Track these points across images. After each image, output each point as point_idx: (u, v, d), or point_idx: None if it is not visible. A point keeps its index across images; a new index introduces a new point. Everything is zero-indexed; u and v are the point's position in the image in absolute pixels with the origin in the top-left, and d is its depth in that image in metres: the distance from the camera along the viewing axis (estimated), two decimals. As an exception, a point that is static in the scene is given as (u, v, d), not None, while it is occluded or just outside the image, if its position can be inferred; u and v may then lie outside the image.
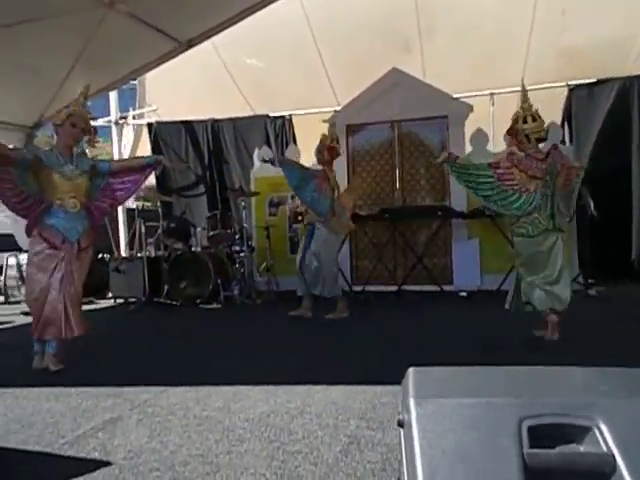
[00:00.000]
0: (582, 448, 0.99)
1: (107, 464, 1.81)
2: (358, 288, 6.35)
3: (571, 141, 6.56)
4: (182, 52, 6.22)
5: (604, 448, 0.96)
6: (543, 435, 1.01)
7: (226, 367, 3.13)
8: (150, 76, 7.94)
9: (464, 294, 5.94)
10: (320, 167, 4.92)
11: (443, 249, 6.50)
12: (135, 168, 3.66)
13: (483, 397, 1.08)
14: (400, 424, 1.16)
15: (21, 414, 2.38)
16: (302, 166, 5.06)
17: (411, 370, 1.22)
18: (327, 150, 4.84)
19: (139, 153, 8.30)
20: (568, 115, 6.71)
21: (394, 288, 6.27)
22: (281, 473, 1.69)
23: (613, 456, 0.94)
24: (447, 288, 6.18)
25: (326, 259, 4.77)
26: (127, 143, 8.99)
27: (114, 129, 8.57)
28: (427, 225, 6.50)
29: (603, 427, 0.98)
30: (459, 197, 6.33)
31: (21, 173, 3.20)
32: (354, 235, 6.64)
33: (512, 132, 3.73)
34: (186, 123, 8.22)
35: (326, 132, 5.20)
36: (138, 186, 3.72)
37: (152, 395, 2.59)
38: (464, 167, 3.76)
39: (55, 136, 3.51)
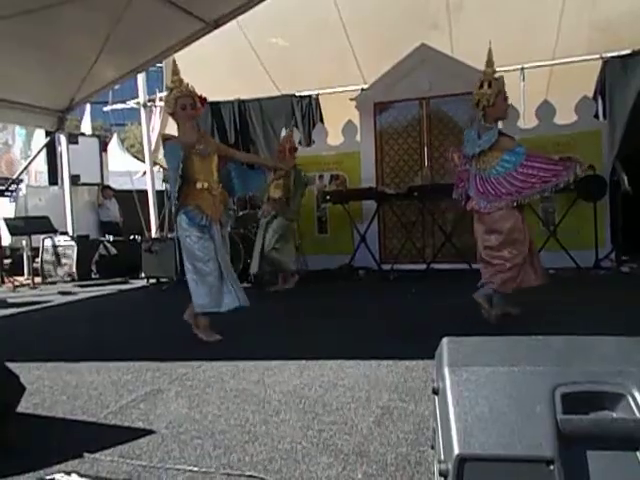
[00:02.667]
0: (615, 414, 1.01)
1: (150, 432, 1.90)
2: (387, 267, 6.36)
3: (604, 116, 6.37)
4: (209, 32, 6.22)
5: (637, 414, 0.98)
6: (576, 402, 1.03)
7: (259, 344, 3.22)
8: (177, 56, 7.98)
9: (493, 272, 5.89)
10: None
11: (472, 226, 6.41)
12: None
13: (517, 365, 1.11)
14: (435, 391, 1.20)
15: (65, 387, 2.50)
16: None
17: (445, 340, 1.25)
18: (201, 102, 3.67)
19: (167, 131, 8.40)
20: (602, 89, 6.49)
21: (423, 267, 6.26)
22: (317, 442, 1.75)
23: (646, 422, 0.96)
24: (476, 266, 6.13)
25: None
26: (155, 125, 9.12)
27: (142, 111, 8.68)
28: (455, 203, 6.42)
29: (637, 394, 1.00)
30: (488, 174, 6.24)
31: None
32: (382, 214, 6.64)
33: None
34: (212, 104, 8.25)
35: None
36: None
37: (189, 369, 2.69)
38: None
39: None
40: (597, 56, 6.47)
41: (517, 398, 1.06)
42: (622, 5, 6.23)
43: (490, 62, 3.63)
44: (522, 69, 7.05)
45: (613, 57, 6.40)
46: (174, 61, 3.60)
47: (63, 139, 7.81)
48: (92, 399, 2.30)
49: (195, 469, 1.59)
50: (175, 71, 3.48)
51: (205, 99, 3.54)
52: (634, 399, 0.99)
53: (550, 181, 3.46)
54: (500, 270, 3.50)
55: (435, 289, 5.21)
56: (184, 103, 3.35)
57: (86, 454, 1.72)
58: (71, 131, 9.30)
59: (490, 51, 3.67)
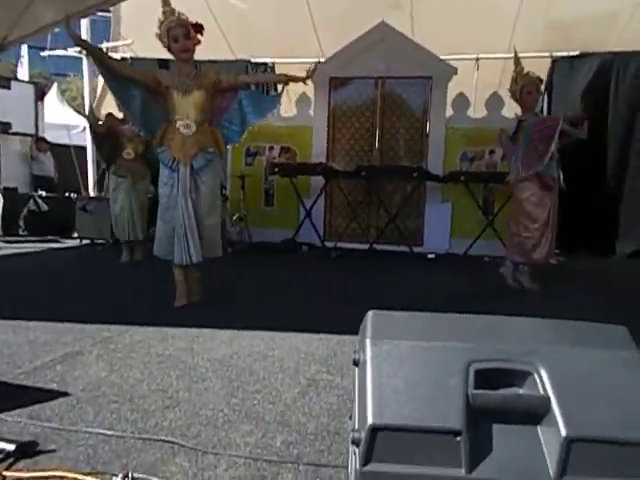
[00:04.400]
0: (521, 391, 1.05)
1: (65, 394, 1.82)
2: (330, 244, 6.40)
3: (549, 112, 6.60)
4: (162, -15, 5.89)
5: (541, 391, 1.02)
6: (488, 378, 1.06)
7: (191, 311, 3.15)
8: (125, 7, 7.55)
9: (432, 256, 6.06)
10: None
11: (416, 211, 6.57)
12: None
13: (435, 341, 1.12)
14: (355, 363, 1.21)
15: (-23, 344, 2.36)
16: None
17: (370, 313, 1.25)
18: (195, 30, 3.28)
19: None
20: (550, 86, 6.72)
21: (366, 246, 6.34)
22: (239, 409, 1.73)
23: (548, 399, 1.00)
24: (417, 249, 6.29)
25: (220, 206, 3.77)
26: (100, 77, 8.63)
27: (85, 61, 8.18)
28: (402, 186, 6.53)
29: (542, 372, 1.03)
30: (436, 160, 6.37)
31: None
32: (329, 191, 6.63)
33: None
34: (162, 61, 7.89)
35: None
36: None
37: (114, 333, 2.60)
38: None
39: None
40: (548, 54, 6.66)
41: (433, 372, 1.08)
42: (576, 7, 6.42)
43: (516, 61, 4.18)
44: (477, 59, 7.17)
45: (562, 57, 6.62)
46: None
47: (-7, 82, 7.25)
48: (3, 358, 2.18)
49: (108, 432, 1.54)
50: (166, 1, 3.19)
51: (201, 26, 3.20)
52: (540, 376, 1.03)
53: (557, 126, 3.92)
54: (511, 238, 4.19)
55: (375, 269, 5.29)
56: (176, 34, 3.11)
57: (-9, 414, 1.62)
58: (5, 75, 8.66)
59: (515, 52, 4.26)
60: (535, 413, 1.00)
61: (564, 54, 6.69)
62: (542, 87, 4.19)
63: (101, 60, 3.25)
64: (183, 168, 3.14)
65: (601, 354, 1.06)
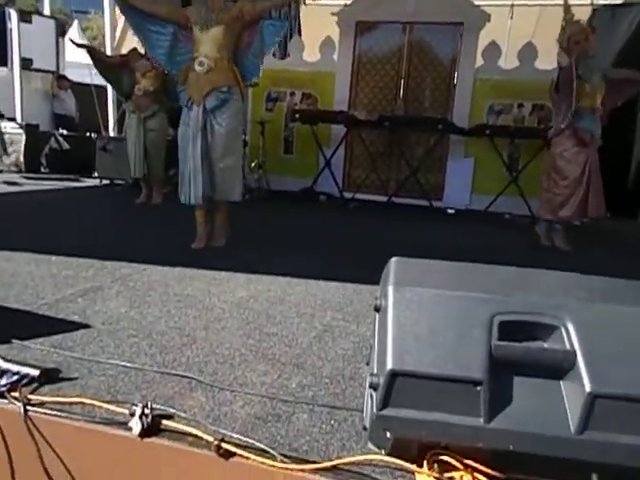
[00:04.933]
0: (546, 345, 1.03)
1: (86, 326, 1.86)
2: (349, 195, 6.33)
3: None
4: None
5: (567, 346, 1.00)
6: (512, 330, 1.04)
7: (209, 254, 3.17)
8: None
9: (452, 211, 5.98)
10: None
11: (438, 165, 6.43)
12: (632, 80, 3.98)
13: (460, 290, 1.10)
14: (377, 309, 1.19)
15: (0, 274, 2.40)
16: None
17: (393, 259, 1.23)
18: None
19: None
20: (588, 37, 6.37)
21: (384, 199, 6.27)
22: (256, 350, 1.76)
23: (574, 353, 0.98)
24: (436, 204, 6.20)
25: (241, 150, 3.59)
26: (121, 16, 8.40)
27: (107, -2, 7.95)
28: (425, 138, 6.37)
29: (570, 327, 1.01)
30: (462, 113, 6.17)
31: None
32: (350, 140, 6.51)
33: None
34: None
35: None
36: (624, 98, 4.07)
37: (134, 271, 2.62)
38: None
39: None
40: (588, 2, 6.28)
41: (456, 321, 1.06)
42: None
43: (566, 8, 4.00)
44: (512, 6, 6.81)
45: (604, 5, 6.24)
46: None
47: (14, 14, 7.11)
48: (28, 289, 2.22)
49: (128, 365, 1.57)
50: None
51: None
52: (567, 331, 1.00)
53: None
54: (542, 194, 4.12)
55: (393, 221, 5.24)
56: None
57: (15, 340, 1.67)
58: (27, 9, 8.48)
59: (566, 2, 4.02)
60: (559, 367, 0.98)
61: (606, 2, 6.30)
62: (594, 36, 3.92)
63: (133, 8, 3.15)
64: (196, 107, 3.07)
65: (630, 311, 1.03)
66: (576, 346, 0.98)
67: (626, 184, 6.13)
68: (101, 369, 1.54)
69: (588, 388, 0.93)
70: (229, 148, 3.14)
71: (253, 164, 6.51)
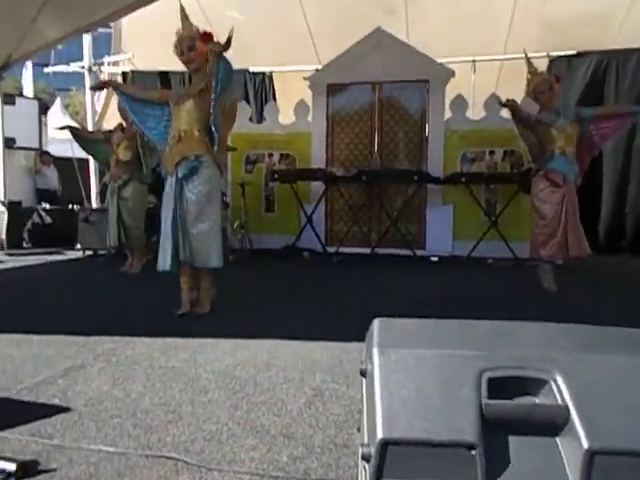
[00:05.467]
0: (537, 400, 1.00)
1: (67, 410, 1.78)
2: (332, 249, 6.36)
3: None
4: (159, -3, 5.91)
5: (559, 400, 0.98)
6: (502, 387, 1.02)
7: (193, 321, 3.11)
8: (126, 22, 7.59)
9: (435, 259, 6.02)
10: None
11: (417, 214, 6.53)
12: (617, 114, 4.13)
13: (445, 348, 1.08)
14: (362, 374, 1.17)
15: (-21, 359, 2.33)
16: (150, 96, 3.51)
17: (376, 321, 1.21)
18: (200, 38, 3.15)
19: (113, 102, 7.99)
20: (548, 86, 6.69)
21: (367, 251, 6.30)
22: (244, 422, 1.69)
23: (567, 408, 0.96)
24: (419, 252, 6.25)
25: (218, 212, 3.33)
26: (101, 92, 8.64)
27: (87, 76, 8.21)
28: (403, 189, 6.49)
29: (559, 380, 0.99)
30: (436, 163, 6.34)
31: None
32: (330, 196, 6.61)
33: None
34: (162, 73, 7.92)
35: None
36: (616, 132, 4.26)
37: (117, 345, 2.56)
38: None
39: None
40: (545, 54, 6.64)
41: (444, 381, 1.04)
42: (571, 7, 6.42)
43: (528, 62, 4.27)
44: (473, 61, 7.16)
45: (560, 56, 6.60)
46: (182, 6, 3.23)
47: (-3, 98, 7.27)
48: (6, 373, 2.14)
49: (111, 449, 1.50)
50: (184, 16, 3.20)
51: (209, 35, 3.13)
52: (557, 385, 0.98)
53: None
54: (531, 234, 4.27)
55: (378, 273, 5.25)
56: (182, 48, 3.14)
57: (-9, 432, 1.59)
58: (10, 92, 8.67)
59: (525, 53, 4.35)
60: (553, 423, 0.96)
61: (561, 53, 6.67)
62: (557, 84, 4.13)
63: (128, 94, 3.45)
64: (170, 177, 3.19)
65: (621, 360, 1.02)
66: (568, 400, 0.96)
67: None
68: (82, 456, 1.47)
69: (585, 444, 0.90)
70: (201, 214, 3.16)
71: (235, 224, 6.54)
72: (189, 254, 3.16)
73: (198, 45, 3.13)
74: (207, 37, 3.14)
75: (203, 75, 3.19)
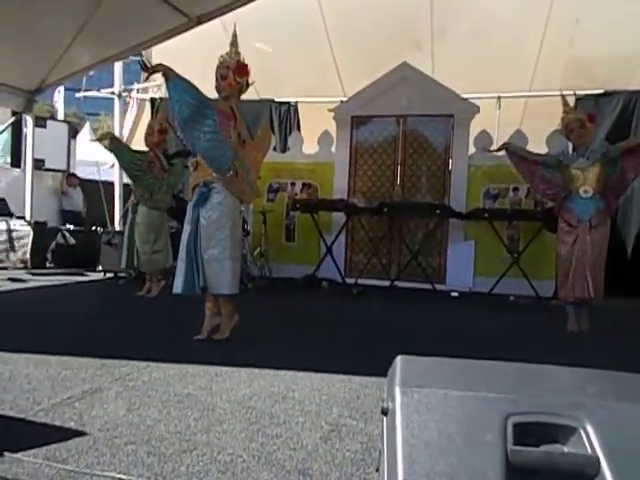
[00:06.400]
0: (566, 448, 0.97)
1: (82, 434, 1.78)
2: (351, 280, 6.33)
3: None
4: (191, 28, 6.13)
5: (589, 450, 0.94)
6: (528, 433, 0.99)
7: (211, 349, 3.10)
8: (157, 51, 7.84)
9: (455, 294, 5.93)
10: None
11: (438, 248, 6.48)
12: None
13: (470, 390, 1.06)
14: (384, 412, 1.14)
15: (-2, 378, 2.35)
16: (201, 92, 3.24)
17: (399, 358, 1.19)
18: (234, 70, 3.19)
19: (140, 129, 8.22)
20: (574, 124, 6.68)
21: (387, 283, 6.25)
22: (258, 455, 1.66)
23: (597, 459, 0.92)
24: (439, 287, 6.18)
25: (229, 238, 3.22)
26: (129, 117, 8.91)
27: (117, 102, 8.48)
28: (424, 223, 6.48)
29: (589, 428, 0.96)
30: (458, 197, 6.32)
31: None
32: (350, 227, 6.62)
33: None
34: (190, 101, 8.13)
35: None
36: None
37: (134, 369, 2.56)
38: None
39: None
40: (571, 92, 6.64)
41: (468, 424, 1.01)
42: (598, 46, 6.44)
43: (564, 102, 4.32)
44: (499, 98, 7.20)
45: (587, 95, 6.60)
46: (235, 32, 3.29)
47: (30, 121, 7.53)
48: (24, 394, 2.15)
49: (124, 477, 1.48)
50: (233, 42, 3.28)
51: (242, 68, 3.19)
52: (586, 433, 0.95)
53: None
54: None
55: (397, 306, 5.19)
56: (217, 74, 3.20)
57: (7, 453, 1.58)
58: (42, 115, 9.00)
59: (562, 95, 4.39)
60: (583, 474, 0.92)
61: (588, 92, 6.66)
62: (590, 124, 4.11)
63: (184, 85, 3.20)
64: (190, 204, 3.26)
65: (652, 410, 0.98)
66: (598, 450, 0.92)
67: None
68: (95, 483, 1.45)
69: (616, 498, 0.87)
70: (211, 239, 3.18)
71: (256, 252, 6.57)
72: (204, 280, 3.19)
73: (231, 75, 3.19)
74: (241, 70, 3.21)
75: (230, 104, 3.26)
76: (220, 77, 3.21)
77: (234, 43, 3.29)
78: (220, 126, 3.11)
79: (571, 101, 6.57)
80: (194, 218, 3.20)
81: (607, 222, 4.04)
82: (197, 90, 3.09)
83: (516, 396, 1.04)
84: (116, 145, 5.09)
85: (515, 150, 4.54)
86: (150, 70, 3.18)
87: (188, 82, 3.10)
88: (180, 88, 3.06)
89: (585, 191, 3.98)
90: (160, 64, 3.23)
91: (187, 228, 3.23)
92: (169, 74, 3.12)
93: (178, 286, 3.21)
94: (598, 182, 3.98)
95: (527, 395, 1.04)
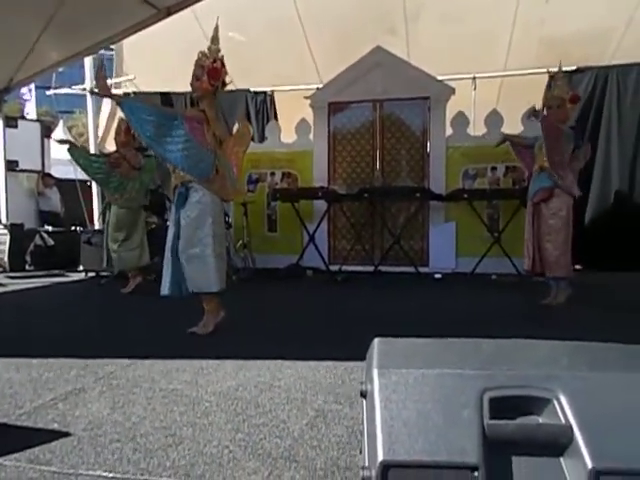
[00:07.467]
0: (541, 419, 0.99)
1: (66, 435, 1.76)
2: (335, 268, 6.34)
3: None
4: (160, 20, 6.01)
5: (562, 420, 0.96)
6: (504, 406, 1.00)
7: (195, 342, 3.09)
8: (128, 44, 7.70)
9: (439, 276, 5.99)
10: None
11: (420, 231, 6.52)
12: None
13: (446, 368, 1.07)
14: (363, 394, 1.15)
15: (-21, 384, 2.31)
16: (159, 106, 3.44)
17: (376, 340, 1.20)
18: (208, 74, 3.12)
19: (114, 124, 8.08)
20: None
21: (371, 268, 6.28)
22: (245, 445, 1.67)
23: (571, 427, 0.94)
24: (423, 270, 6.22)
25: (210, 235, 3.15)
26: (104, 113, 8.75)
27: (89, 98, 8.32)
28: (405, 206, 6.50)
29: (562, 399, 0.97)
30: (438, 179, 6.35)
31: None
32: (332, 214, 6.62)
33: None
34: (164, 94, 8.02)
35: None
36: None
37: (117, 367, 2.54)
38: None
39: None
40: (544, 70, 6.69)
41: (445, 402, 1.02)
42: (570, 24, 6.48)
43: (548, 86, 4.54)
44: (474, 78, 7.23)
45: (559, 71, 6.63)
46: (217, 26, 3.20)
47: (0, 121, 7.36)
48: (5, 398, 2.12)
49: (110, 475, 1.48)
50: (214, 37, 3.19)
51: (215, 70, 3.10)
52: (560, 404, 0.97)
53: None
54: None
55: (382, 291, 5.22)
56: (193, 72, 3.14)
57: (-11, 459, 1.57)
58: (13, 115, 8.79)
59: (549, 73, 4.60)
60: (557, 443, 0.94)
61: (561, 69, 6.70)
62: (570, 104, 4.12)
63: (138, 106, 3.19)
64: (172, 205, 3.25)
65: (625, 377, 1.00)
66: (571, 419, 0.94)
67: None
68: (80, 482, 1.44)
69: (590, 464, 0.88)
70: (191, 238, 3.14)
71: (238, 244, 6.54)
72: (184, 279, 3.18)
73: (204, 79, 3.12)
74: (215, 74, 3.13)
75: (201, 108, 3.19)
76: (195, 77, 3.16)
77: (215, 39, 3.20)
78: (192, 133, 3.02)
79: (544, 79, 6.63)
80: (176, 219, 3.18)
81: (560, 197, 3.98)
82: (155, 106, 3.07)
83: (491, 371, 1.05)
84: (72, 152, 4.99)
85: (512, 139, 4.56)
86: (100, 96, 3.18)
87: (142, 101, 3.07)
88: (135, 108, 2.97)
89: (536, 169, 4.11)
90: (107, 92, 3.27)
91: (170, 230, 3.22)
92: (118, 100, 3.13)
93: (165, 288, 3.20)
94: (547, 159, 4.01)
95: (502, 370, 1.05)
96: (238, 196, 3.84)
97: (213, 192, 3.18)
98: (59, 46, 6.36)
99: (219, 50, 3.20)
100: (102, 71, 3.23)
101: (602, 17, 6.42)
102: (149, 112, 2.96)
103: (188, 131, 3.01)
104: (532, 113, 4.35)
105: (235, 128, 5.90)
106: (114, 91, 8.36)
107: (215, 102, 3.25)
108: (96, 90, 3.29)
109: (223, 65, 3.19)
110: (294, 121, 6.89)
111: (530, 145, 4.27)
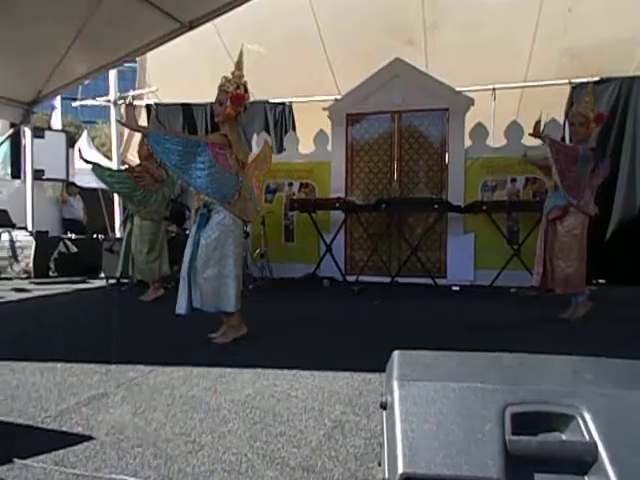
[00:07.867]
0: (564, 436, 0.98)
1: (89, 439, 1.79)
2: (352, 278, 6.34)
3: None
4: (183, 33, 6.15)
5: (586, 437, 0.95)
6: (526, 422, 1.00)
7: (214, 350, 3.12)
8: (151, 57, 7.87)
9: (457, 288, 5.94)
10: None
11: (438, 242, 6.49)
12: None
13: (467, 382, 1.07)
14: (383, 406, 1.16)
15: (5, 387, 2.36)
16: (182, 134, 3.57)
17: (396, 353, 1.21)
18: (231, 99, 3.15)
19: (137, 136, 8.24)
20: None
21: (388, 279, 6.27)
22: (263, 454, 1.68)
23: (595, 445, 0.94)
24: (440, 282, 6.19)
25: (230, 257, 3.21)
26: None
27: (113, 109, 8.51)
28: (423, 218, 6.49)
29: (586, 416, 0.97)
30: (456, 191, 6.33)
31: None
32: (349, 225, 6.63)
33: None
34: (185, 105, 8.16)
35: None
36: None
37: (139, 374, 2.58)
38: None
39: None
40: (566, 81, 6.65)
41: (466, 416, 1.03)
42: (591, 35, 6.44)
43: (587, 95, 4.23)
44: (494, 89, 7.21)
45: (581, 83, 6.59)
46: (241, 52, 3.24)
47: (28, 132, 7.55)
48: (32, 401, 2.17)
49: (131, 479, 1.50)
50: (238, 62, 3.24)
51: (238, 96, 3.14)
52: (584, 421, 0.96)
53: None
54: None
55: (398, 302, 5.20)
56: (216, 97, 3.19)
57: (16, 460, 1.61)
58: (40, 125, 9.02)
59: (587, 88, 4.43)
60: (581, 461, 0.93)
61: (583, 80, 6.66)
62: (594, 124, 4.02)
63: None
64: (193, 225, 3.31)
65: (647, 395, 1.00)
66: (596, 437, 0.94)
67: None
68: (103, 487, 1.47)
69: (614, 482, 0.88)
70: (209, 259, 3.17)
71: (256, 253, 6.59)
72: (199, 298, 3.21)
73: (228, 104, 3.15)
74: (236, 100, 3.16)
75: (223, 133, 3.23)
76: (218, 102, 3.21)
77: (239, 65, 3.24)
78: (216, 158, 3.09)
79: (566, 90, 6.59)
80: (195, 240, 3.21)
81: (574, 216, 3.93)
82: (179, 135, 3.11)
83: (513, 386, 1.05)
84: (96, 171, 5.08)
85: (533, 162, 4.50)
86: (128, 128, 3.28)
87: (166, 131, 3.13)
88: (160, 139, 3.03)
89: (551, 186, 4.09)
90: (135, 127, 3.41)
91: (188, 249, 3.24)
92: (144, 132, 3.19)
93: (181, 307, 3.22)
94: (559, 182, 3.94)
95: (524, 385, 1.05)
96: (258, 215, 3.95)
97: (235, 214, 3.23)
98: (85, 59, 6.53)
99: (242, 76, 3.24)
100: (131, 107, 3.43)
101: (626, 27, 6.36)
102: (174, 142, 3.02)
103: (212, 157, 3.08)
104: (523, 155, 4.50)
105: (255, 147, 5.96)
106: (136, 102, 8.55)
107: (237, 125, 3.32)
108: (123, 122, 3.43)
109: (246, 90, 3.24)
110: (312, 132, 6.95)
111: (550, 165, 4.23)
